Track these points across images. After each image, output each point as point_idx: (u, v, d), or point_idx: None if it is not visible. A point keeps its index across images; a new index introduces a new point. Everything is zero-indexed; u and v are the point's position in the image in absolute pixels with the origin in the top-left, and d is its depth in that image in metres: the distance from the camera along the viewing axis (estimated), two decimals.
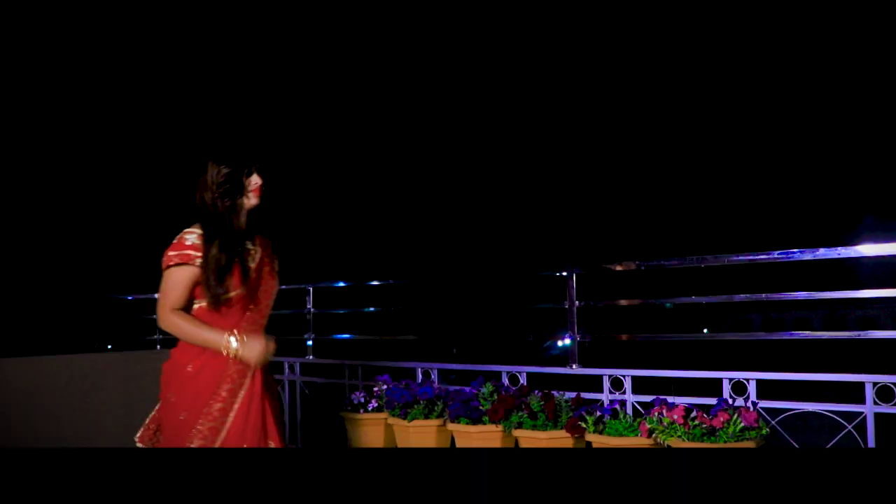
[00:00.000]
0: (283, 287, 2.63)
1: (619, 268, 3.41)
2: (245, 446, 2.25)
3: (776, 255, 2.98)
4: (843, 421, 2.71)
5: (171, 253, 2.28)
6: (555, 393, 3.17)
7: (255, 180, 2.35)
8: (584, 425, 2.96)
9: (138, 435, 2.39)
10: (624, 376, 3.18)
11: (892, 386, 2.62)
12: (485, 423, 3.20)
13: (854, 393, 2.75)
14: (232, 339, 2.25)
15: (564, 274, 3.55)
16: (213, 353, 2.28)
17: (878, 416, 2.66)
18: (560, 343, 3.70)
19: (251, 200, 2.35)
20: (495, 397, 3.27)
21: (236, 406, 2.28)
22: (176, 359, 2.34)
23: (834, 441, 2.80)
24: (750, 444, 2.57)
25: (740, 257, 3.09)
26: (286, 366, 4.64)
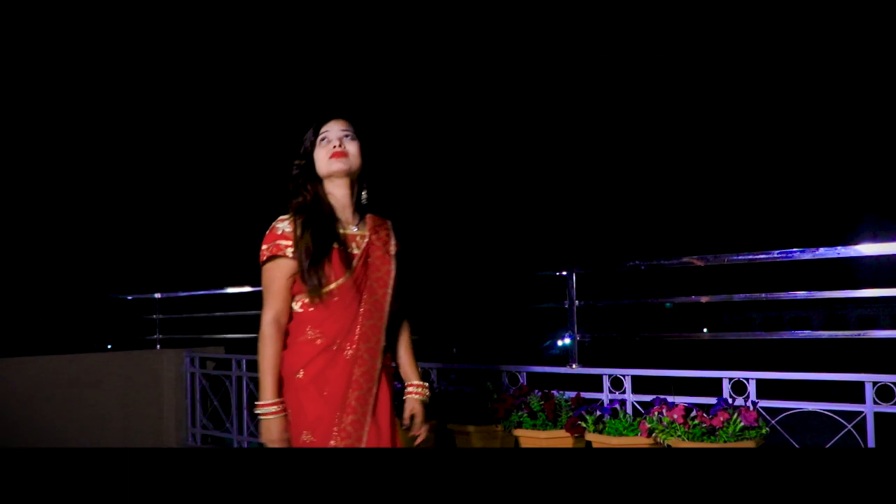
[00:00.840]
0: None
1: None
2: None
3: (776, 255, 2.98)
4: (842, 420, 2.71)
5: (263, 246, 2.03)
6: (555, 392, 3.17)
7: (331, 143, 2.07)
8: (583, 425, 2.95)
9: None
10: (624, 376, 3.18)
11: (892, 385, 2.62)
12: (485, 423, 3.20)
13: (854, 392, 2.75)
14: (268, 409, 1.97)
15: (564, 274, 3.55)
16: (331, 354, 2.00)
17: (878, 416, 2.66)
18: (560, 342, 3.69)
19: (331, 167, 2.06)
20: (495, 397, 3.27)
21: (369, 418, 2.01)
22: (284, 366, 2.03)
23: (834, 441, 2.80)
24: (750, 444, 2.57)
25: (740, 257, 3.09)
26: None
